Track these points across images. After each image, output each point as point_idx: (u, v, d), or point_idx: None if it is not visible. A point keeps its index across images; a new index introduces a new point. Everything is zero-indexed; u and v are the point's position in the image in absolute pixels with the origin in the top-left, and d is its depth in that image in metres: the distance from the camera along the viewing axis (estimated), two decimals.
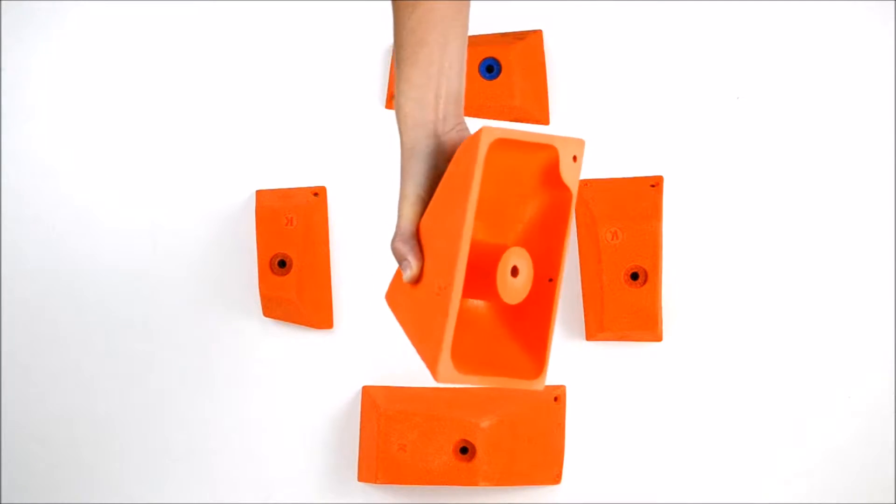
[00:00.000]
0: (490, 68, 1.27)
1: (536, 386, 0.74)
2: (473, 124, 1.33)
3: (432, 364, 0.69)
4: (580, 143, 0.70)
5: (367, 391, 1.26)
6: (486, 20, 1.30)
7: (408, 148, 0.75)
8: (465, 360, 0.71)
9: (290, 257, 1.23)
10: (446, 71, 0.75)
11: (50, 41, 1.35)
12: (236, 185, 1.32)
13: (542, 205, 0.74)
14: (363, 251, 1.29)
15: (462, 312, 0.70)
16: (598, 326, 1.21)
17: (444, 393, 1.25)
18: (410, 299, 0.77)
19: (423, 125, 0.75)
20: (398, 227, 0.75)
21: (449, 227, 0.69)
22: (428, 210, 0.74)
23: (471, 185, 0.67)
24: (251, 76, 1.33)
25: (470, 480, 1.14)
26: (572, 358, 1.25)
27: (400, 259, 0.76)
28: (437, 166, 0.74)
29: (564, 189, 0.71)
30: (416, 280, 0.74)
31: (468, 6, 0.79)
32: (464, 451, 1.15)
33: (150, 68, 1.34)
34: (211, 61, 1.34)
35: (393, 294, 0.81)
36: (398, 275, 0.78)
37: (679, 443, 1.22)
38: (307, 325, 1.28)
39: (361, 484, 1.25)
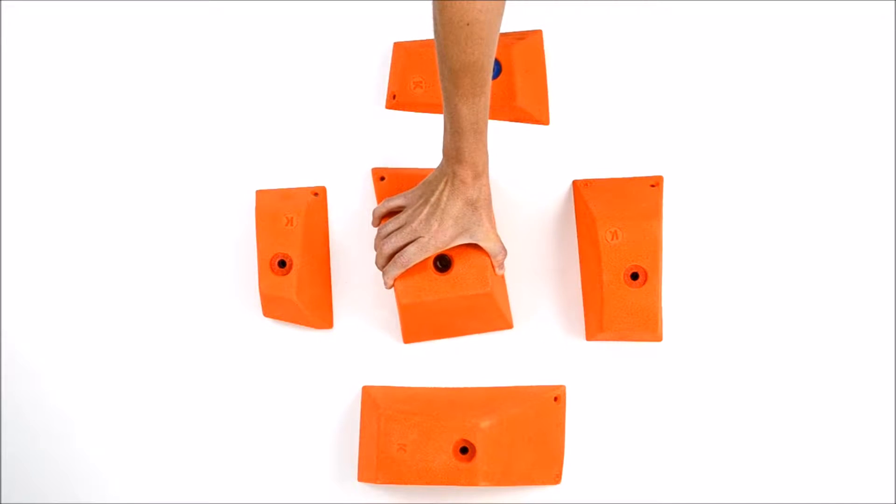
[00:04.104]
0: None
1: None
2: None
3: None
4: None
5: (367, 391, 1.26)
6: None
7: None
8: None
9: (290, 257, 1.23)
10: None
11: (50, 41, 1.35)
12: (236, 185, 1.32)
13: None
14: (363, 251, 1.29)
15: None
16: (598, 326, 1.21)
17: (444, 393, 1.25)
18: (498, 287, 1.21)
19: None
20: (496, 237, 1.16)
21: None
22: None
23: None
24: (251, 76, 1.33)
25: (470, 480, 1.14)
26: (572, 358, 1.25)
27: (502, 253, 1.17)
28: None
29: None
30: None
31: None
32: (464, 451, 1.15)
33: (150, 68, 1.34)
34: (211, 61, 1.34)
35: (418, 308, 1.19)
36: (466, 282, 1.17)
37: (679, 443, 1.22)
38: (307, 325, 1.28)
39: (361, 484, 1.25)
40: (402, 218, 1.15)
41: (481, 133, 1.06)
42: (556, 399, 1.23)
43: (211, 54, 1.34)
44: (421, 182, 1.16)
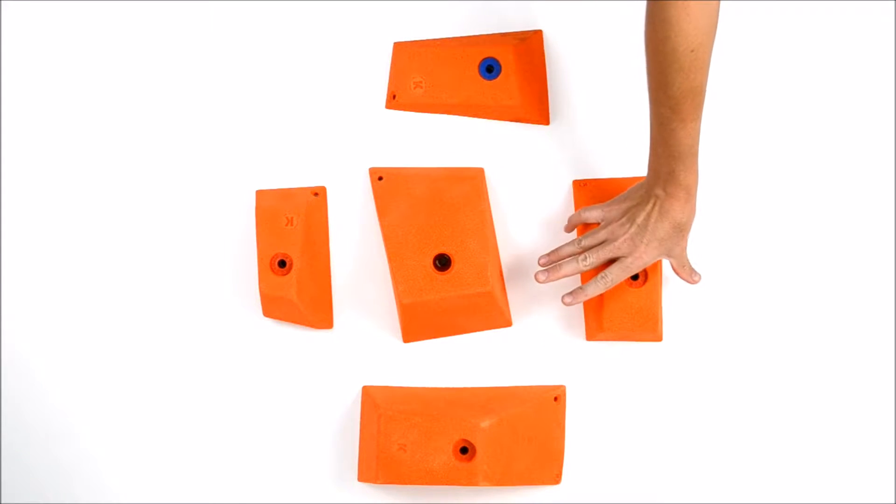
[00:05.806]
0: (490, 68, 1.27)
1: None
2: (473, 124, 1.34)
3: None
4: None
5: (367, 391, 1.26)
6: (486, 20, 1.30)
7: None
8: None
9: (290, 257, 1.23)
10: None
11: (50, 41, 1.35)
12: (236, 185, 1.32)
13: None
14: (363, 251, 1.29)
15: None
16: (598, 326, 1.21)
17: (443, 393, 1.25)
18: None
19: None
20: (688, 259, 1.18)
21: None
22: None
23: None
24: (251, 76, 1.33)
25: (470, 480, 1.14)
26: (572, 358, 1.25)
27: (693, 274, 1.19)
28: None
29: None
30: None
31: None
32: (464, 451, 1.15)
33: (150, 69, 1.34)
34: (211, 61, 1.34)
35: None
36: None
37: (679, 443, 1.22)
38: (307, 325, 1.28)
39: (361, 484, 1.25)
40: (601, 234, 1.15)
41: (695, 155, 1.06)
42: (556, 399, 1.23)
43: (211, 54, 1.34)
44: (618, 198, 1.16)
